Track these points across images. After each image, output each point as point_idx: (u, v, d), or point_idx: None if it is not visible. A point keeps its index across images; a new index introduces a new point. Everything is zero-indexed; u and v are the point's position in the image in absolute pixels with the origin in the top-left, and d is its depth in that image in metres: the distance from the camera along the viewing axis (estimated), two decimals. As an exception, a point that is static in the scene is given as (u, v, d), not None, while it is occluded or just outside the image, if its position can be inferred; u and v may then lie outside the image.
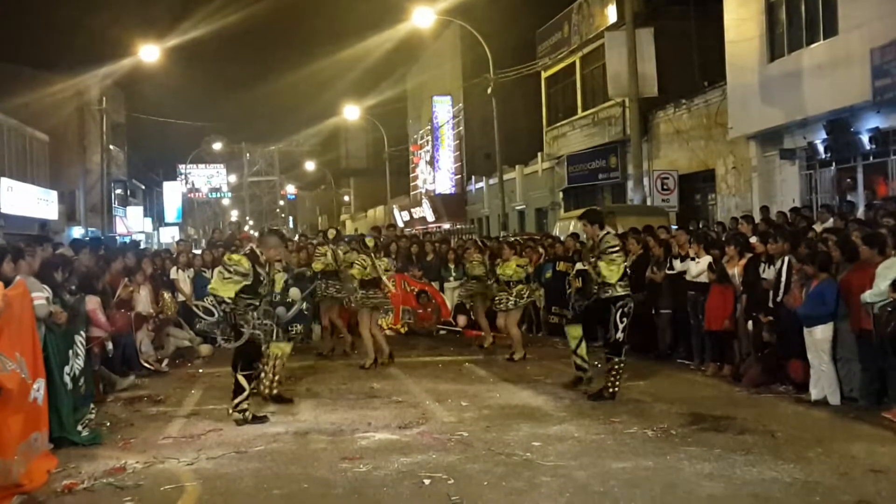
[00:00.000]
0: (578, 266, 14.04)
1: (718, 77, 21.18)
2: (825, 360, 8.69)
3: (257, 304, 8.56)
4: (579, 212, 22.75)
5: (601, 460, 6.83)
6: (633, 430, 7.80)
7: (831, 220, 12.94)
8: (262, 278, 8.58)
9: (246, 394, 8.50)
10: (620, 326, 9.09)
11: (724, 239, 12.19)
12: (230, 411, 8.53)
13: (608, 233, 9.32)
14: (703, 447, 7.14)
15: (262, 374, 8.91)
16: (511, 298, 12.49)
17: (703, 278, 10.99)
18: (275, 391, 9.08)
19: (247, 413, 8.50)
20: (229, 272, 8.43)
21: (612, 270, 8.99)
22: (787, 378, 9.48)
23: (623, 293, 9.13)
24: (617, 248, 9.14)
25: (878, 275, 8.05)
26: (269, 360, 9.02)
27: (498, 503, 5.89)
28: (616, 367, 9.17)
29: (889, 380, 8.21)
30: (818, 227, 12.60)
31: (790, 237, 10.24)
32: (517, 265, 12.58)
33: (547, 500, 5.94)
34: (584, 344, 9.56)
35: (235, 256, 8.68)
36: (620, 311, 9.09)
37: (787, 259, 9.64)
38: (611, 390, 9.16)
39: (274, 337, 8.91)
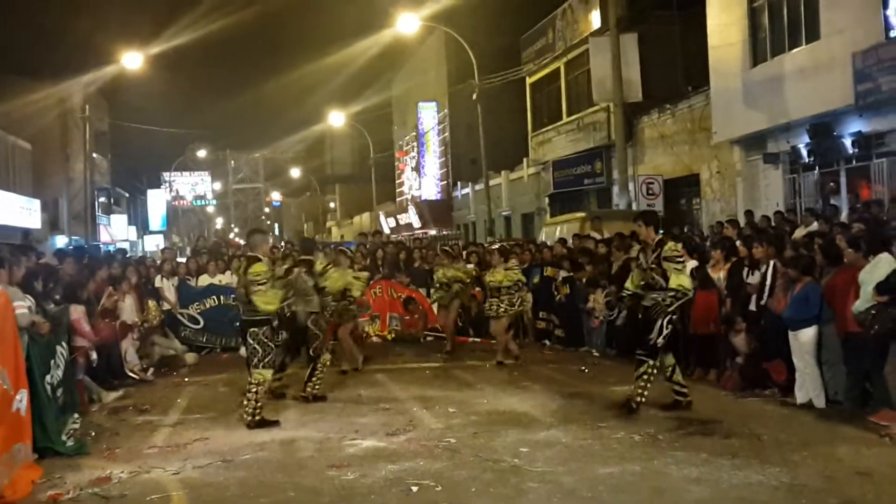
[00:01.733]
0: (563, 273, 14.19)
1: (702, 82, 21.28)
2: (810, 364, 8.73)
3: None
4: (565, 217, 22.85)
5: (589, 466, 6.84)
6: (619, 436, 7.81)
7: (815, 223, 13.01)
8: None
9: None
10: (664, 332, 8.60)
11: (706, 244, 12.24)
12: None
13: (668, 240, 8.86)
14: (689, 452, 7.16)
15: (245, 402, 8.81)
16: (502, 305, 12.50)
17: (688, 283, 11.00)
18: (257, 418, 8.83)
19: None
20: (261, 284, 8.69)
21: (683, 279, 8.61)
22: (767, 383, 9.51)
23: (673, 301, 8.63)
24: (683, 259, 8.72)
25: (861, 282, 8.08)
26: (250, 387, 8.71)
27: (486, 510, 5.88)
28: (647, 372, 8.66)
29: (874, 382, 8.25)
30: (801, 231, 12.69)
31: (775, 241, 10.28)
32: (506, 269, 12.59)
33: (535, 506, 5.93)
34: (678, 370, 8.96)
35: (255, 269, 8.80)
36: (669, 317, 8.61)
37: (772, 263, 9.69)
38: (638, 399, 8.70)
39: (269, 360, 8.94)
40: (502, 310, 12.51)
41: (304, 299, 10.24)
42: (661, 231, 16.51)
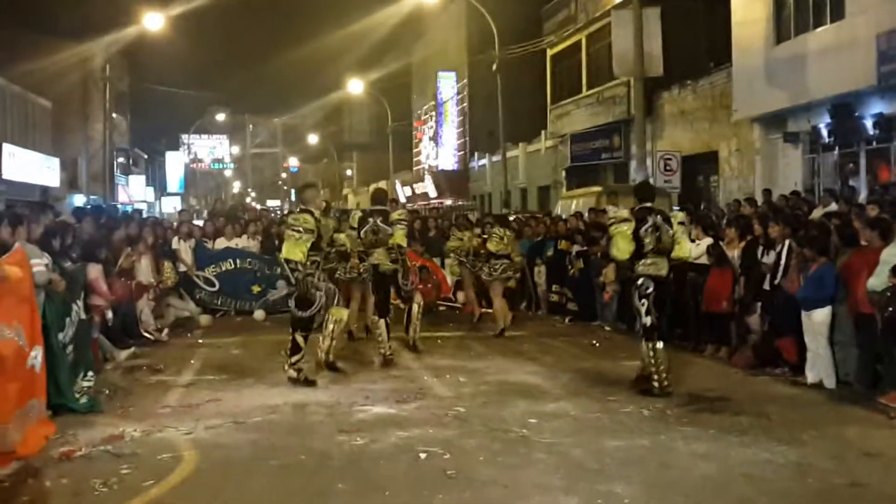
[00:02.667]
0: (577, 247, 14.17)
1: (724, 58, 21.08)
2: (822, 344, 8.71)
3: (320, 260, 9.05)
4: (582, 191, 22.77)
5: (597, 438, 6.87)
6: (628, 410, 7.84)
7: (833, 204, 12.94)
8: (321, 231, 8.99)
9: (302, 353, 8.99)
10: (642, 310, 8.43)
11: (723, 222, 12.20)
12: (286, 368, 8.99)
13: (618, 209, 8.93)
14: (698, 427, 7.18)
15: (321, 339, 9.06)
16: (495, 269, 12.71)
17: (703, 260, 11.00)
18: (331, 358, 9.17)
19: (301, 373, 8.97)
20: (298, 231, 8.76)
21: (617, 248, 8.51)
22: (779, 362, 9.50)
23: (640, 273, 8.46)
24: (613, 222, 8.61)
25: (883, 261, 8.03)
26: (327, 325, 9.12)
27: (493, 478, 5.93)
28: (649, 354, 8.37)
29: (885, 364, 8.24)
30: (819, 212, 12.62)
31: (791, 221, 10.23)
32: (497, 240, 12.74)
33: (542, 476, 5.98)
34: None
35: (298, 216, 8.97)
36: (637, 293, 8.49)
37: (787, 243, 9.64)
38: (656, 384, 8.29)
39: (335, 301, 9.16)
40: (485, 273, 12.82)
41: (384, 249, 10.24)
42: (678, 207, 16.53)
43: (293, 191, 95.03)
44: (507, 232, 13.08)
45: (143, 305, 12.26)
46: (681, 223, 8.72)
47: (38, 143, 34.80)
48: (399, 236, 10.30)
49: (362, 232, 10.20)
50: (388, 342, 10.26)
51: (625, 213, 8.74)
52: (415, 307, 10.61)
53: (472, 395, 8.57)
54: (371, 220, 10.26)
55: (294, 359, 9.02)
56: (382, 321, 10.27)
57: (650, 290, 8.44)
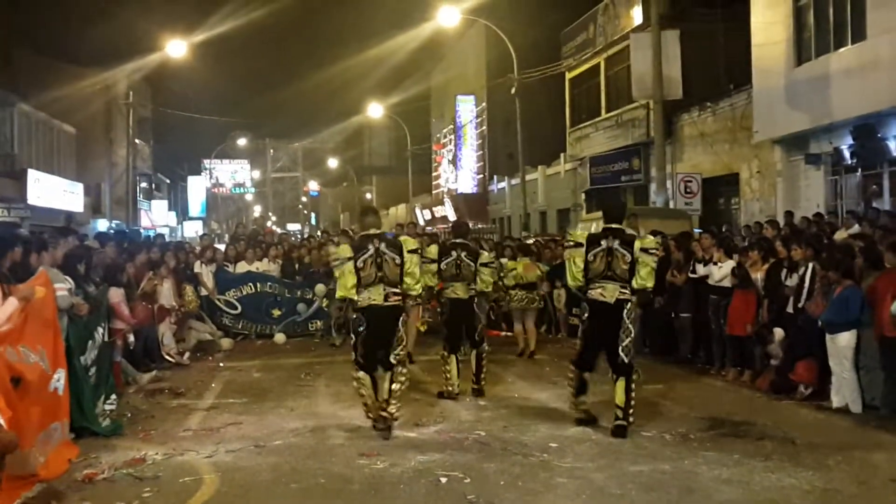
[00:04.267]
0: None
1: (744, 80, 21.03)
2: (847, 368, 8.62)
3: None
4: (601, 214, 22.67)
5: (619, 463, 6.82)
6: (651, 434, 7.78)
7: (857, 226, 12.84)
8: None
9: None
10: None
11: (746, 244, 12.12)
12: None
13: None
14: (721, 452, 7.11)
15: (399, 391, 8.28)
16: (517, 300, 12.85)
17: (726, 283, 10.93)
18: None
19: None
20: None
21: (569, 274, 8.37)
22: (802, 383, 9.40)
23: (587, 298, 8.17)
24: (568, 246, 8.43)
25: None
26: (401, 378, 8.25)
27: (514, 503, 5.89)
28: (568, 376, 8.39)
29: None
30: (842, 234, 12.53)
31: (814, 243, 10.16)
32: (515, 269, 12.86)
33: (563, 501, 5.94)
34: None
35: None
36: (580, 319, 8.44)
37: (811, 265, 9.57)
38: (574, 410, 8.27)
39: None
40: (504, 302, 12.96)
41: (464, 284, 9.83)
42: (700, 230, 16.43)
43: (313, 214, 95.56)
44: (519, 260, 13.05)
45: (165, 329, 12.33)
46: (643, 250, 7.98)
47: (63, 168, 35.20)
48: (488, 281, 9.99)
49: (443, 264, 9.81)
50: (457, 379, 9.67)
51: (582, 236, 8.44)
52: (485, 353, 9.93)
53: (493, 418, 8.54)
54: (454, 253, 9.90)
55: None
56: (453, 357, 9.70)
57: (585, 317, 8.25)
